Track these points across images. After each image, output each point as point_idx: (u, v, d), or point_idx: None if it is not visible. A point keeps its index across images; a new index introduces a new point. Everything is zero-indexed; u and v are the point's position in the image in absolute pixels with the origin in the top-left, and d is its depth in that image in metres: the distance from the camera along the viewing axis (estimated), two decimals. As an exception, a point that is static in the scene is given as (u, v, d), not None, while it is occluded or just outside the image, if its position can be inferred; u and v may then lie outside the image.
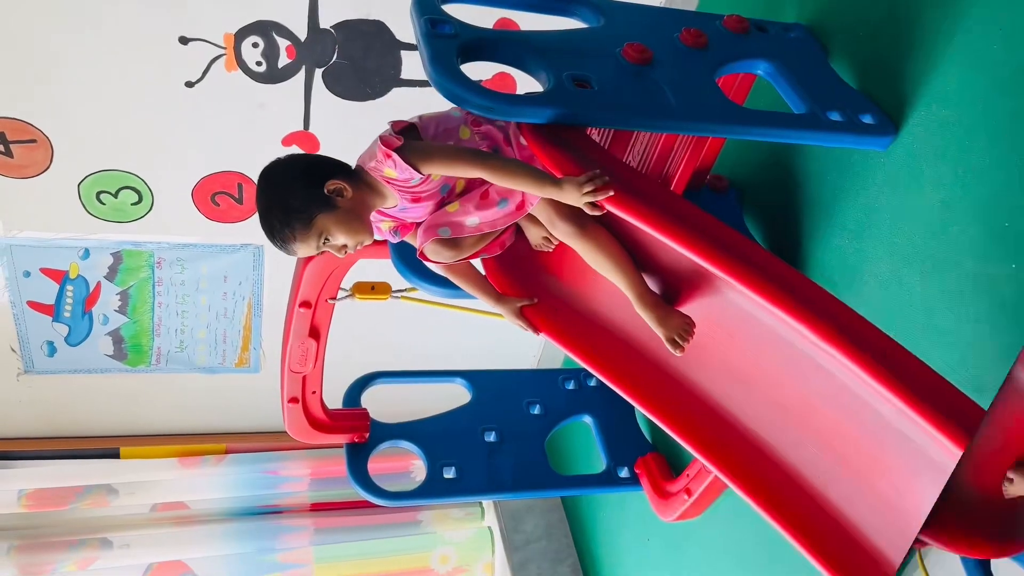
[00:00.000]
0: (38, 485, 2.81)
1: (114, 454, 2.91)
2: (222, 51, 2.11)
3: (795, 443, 1.38)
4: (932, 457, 1.13)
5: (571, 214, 1.39)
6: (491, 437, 2.29)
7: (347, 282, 1.83)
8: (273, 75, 2.18)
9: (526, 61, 1.45)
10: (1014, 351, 1.20)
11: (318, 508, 3.08)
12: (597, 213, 1.30)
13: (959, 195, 1.41)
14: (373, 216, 1.47)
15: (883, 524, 1.29)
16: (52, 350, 2.66)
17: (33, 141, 2.18)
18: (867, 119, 1.54)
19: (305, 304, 1.79)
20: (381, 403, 2.23)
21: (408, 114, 1.43)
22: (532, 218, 1.50)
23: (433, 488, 2.16)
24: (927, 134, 1.48)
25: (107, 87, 2.12)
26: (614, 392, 2.49)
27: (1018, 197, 1.31)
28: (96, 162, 2.27)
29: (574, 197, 1.29)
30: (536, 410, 2.39)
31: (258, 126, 2.26)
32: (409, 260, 1.65)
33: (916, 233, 1.50)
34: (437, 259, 1.48)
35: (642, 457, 2.34)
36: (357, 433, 2.15)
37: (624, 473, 2.33)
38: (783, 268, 1.22)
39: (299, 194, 1.32)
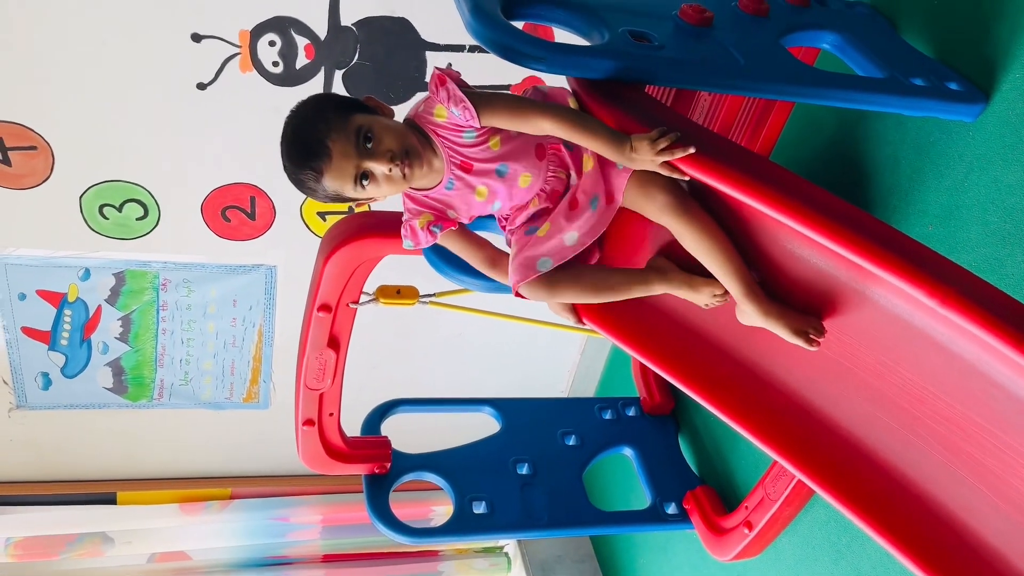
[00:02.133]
0: (27, 533, 2.63)
1: (110, 499, 2.73)
2: (237, 50, 1.99)
3: (902, 441, 1.18)
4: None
5: (672, 185, 1.19)
6: (524, 469, 2.09)
7: (370, 286, 1.67)
8: (290, 77, 2.05)
9: (576, 20, 1.31)
10: None
11: (331, 559, 2.89)
12: (679, 176, 1.15)
13: (1072, 158, 1.25)
14: (407, 210, 1.30)
15: (1017, 533, 1.08)
16: (47, 382, 2.48)
17: (33, 148, 2.04)
18: (953, 86, 1.39)
19: (324, 308, 1.62)
20: (402, 434, 2.05)
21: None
22: None
23: (463, 524, 1.95)
24: (1026, 97, 1.32)
25: (114, 88, 1.99)
26: (656, 422, 2.36)
27: None
28: (100, 172, 2.12)
29: (646, 157, 1.13)
30: (571, 441, 2.21)
31: (273, 134, 2.08)
32: (444, 251, 1.48)
33: (1020, 209, 1.33)
34: (535, 298, 1.27)
35: (691, 491, 2.12)
36: (377, 463, 1.96)
37: (672, 509, 2.12)
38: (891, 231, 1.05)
39: (333, 104, 1.18)
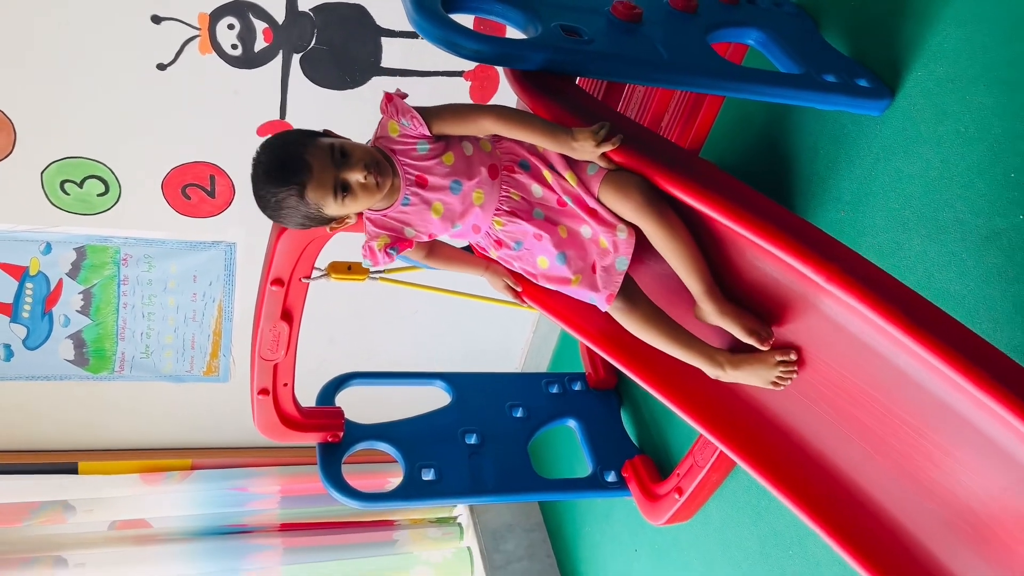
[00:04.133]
0: (-10, 501, 2.65)
1: (72, 469, 2.77)
2: (196, 32, 2.05)
3: (801, 406, 1.30)
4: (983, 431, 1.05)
5: (646, 186, 1.25)
6: (472, 439, 2.19)
7: (323, 262, 1.75)
8: (249, 59, 2.12)
9: (513, 14, 1.40)
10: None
11: (288, 528, 2.95)
12: (612, 167, 1.25)
13: (961, 152, 1.37)
14: (367, 232, 1.37)
15: (896, 488, 1.21)
16: (9, 354, 2.53)
17: (-5, 124, 2.09)
18: (862, 83, 1.50)
19: (277, 282, 1.69)
20: (356, 406, 2.14)
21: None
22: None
23: (412, 490, 2.05)
24: (925, 94, 1.44)
25: (75, 67, 2.04)
26: (600, 396, 2.47)
27: (1024, 145, 1.26)
28: (61, 148, 2.17)
29: (588, 149, 1.22)
30: (519, 413, 2.31)
31: (232, 114, 2.18)
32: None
33: (916, 197, 1.45)
34: (622, 319, 1.38)
35: (629, 460, 2.24)
36: (331, 432, 2.04)
37: (611, 477, 2.23)
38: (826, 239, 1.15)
39: (301, 132, 1.28)
